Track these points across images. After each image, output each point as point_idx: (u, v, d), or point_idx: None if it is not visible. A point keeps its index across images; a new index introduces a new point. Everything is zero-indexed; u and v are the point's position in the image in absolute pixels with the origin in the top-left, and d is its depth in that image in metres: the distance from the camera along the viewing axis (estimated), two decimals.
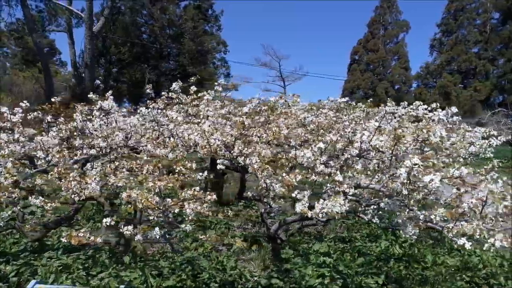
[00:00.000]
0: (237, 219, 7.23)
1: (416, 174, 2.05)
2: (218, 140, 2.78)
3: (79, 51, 18.00)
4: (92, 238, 2.31)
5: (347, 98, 6.22)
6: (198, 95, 5.53)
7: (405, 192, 2.54)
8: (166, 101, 5.53)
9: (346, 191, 2.73)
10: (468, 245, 2.21)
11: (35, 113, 3.34)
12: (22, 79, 30.48)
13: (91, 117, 4.38)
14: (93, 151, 3.52)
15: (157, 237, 2.53)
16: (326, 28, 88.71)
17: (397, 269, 4.57)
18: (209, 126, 2.94)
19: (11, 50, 31.73)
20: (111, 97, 5.38)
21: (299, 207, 2.61)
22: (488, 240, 2.21)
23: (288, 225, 5.17)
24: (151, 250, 5.42)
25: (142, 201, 2.18)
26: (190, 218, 3.25)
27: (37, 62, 36.03)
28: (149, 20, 25.93)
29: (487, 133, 4.29)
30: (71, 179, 2.47)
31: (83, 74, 16.39)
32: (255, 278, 4.38)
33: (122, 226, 2.36)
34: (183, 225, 2.82)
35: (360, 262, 4.78)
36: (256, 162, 2.53)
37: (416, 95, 41.68)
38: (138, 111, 4.68)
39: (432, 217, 2.52)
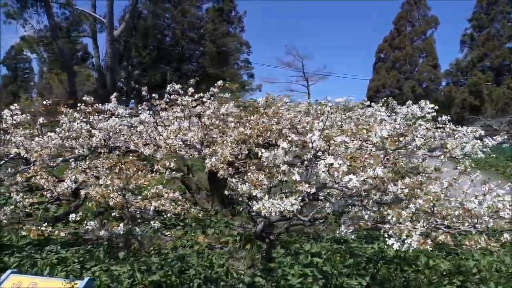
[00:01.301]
0: (239, 219, 7.32)
1: (337, 175, 2.03)
2: (180, 141, 2.88)
3: (102, 55, 18.84)
4: (56, 232, 2.47)
5: (346, 98, 6.18)
6: (200, 95, 5.66)
7: (363, 192, 2.52)
8: (166, 102, 5.71)
9: (307, 190, 2.74)
10: (396, 245, 2.17)
11: (24, 115, 3.58)
12: (57, 82, 32.19)
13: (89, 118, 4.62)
14: (86, 151, 3.71)
15: (121, 232, 2.65)
16: (351, 27, 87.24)
17: (385, 271, 4.50)
18: (178, 127, 3.04)
19: (47, 54, 33.66)
20: (115, 99, 5.65)
21: (255, 206, 2.65)
22: (406, 241, 2.15)
23: (290, 224, 5.22)
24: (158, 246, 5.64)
25: (101, 198, 2.31)
26: (170, 214, 3.38)
27: (72, 66, 37.88)
28: (171, 23, 26.58)
29: (474, 133, 4.15)
30: (39, 177, 2.65)
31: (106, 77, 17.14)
32: (241, 276, 4.45)
33: (87, 222, 2.51)
34: (152, 222, 2.93)
35: (349, 263, 4.74)
36: (211, 162, 2.60)
37: (445, 94, 40.16)
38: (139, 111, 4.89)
39: (389, 217, 2.49)
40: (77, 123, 3.53)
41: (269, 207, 2.43)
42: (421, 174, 4.13)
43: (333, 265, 4.62)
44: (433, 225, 2.31)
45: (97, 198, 2.34)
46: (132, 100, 24.21)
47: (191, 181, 7.20)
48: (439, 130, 4.53)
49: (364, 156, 2.06)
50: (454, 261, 4.83)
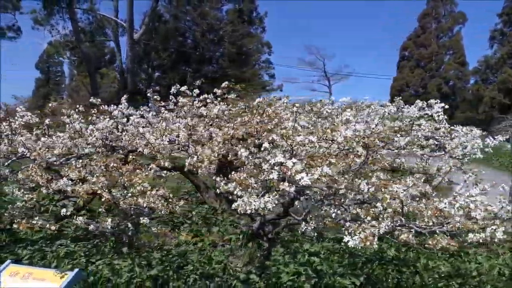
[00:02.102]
0: (245, 217, 7.41)
1: (290, 174, 2.08)
2: (168, 140, 3.01)
3: (124, 58, 19.50)
4: (47, 225, 2.66)
5: (348, 98, 6.14)
6: (205, 96, 5.79)
7: (342, 191, 2.56)
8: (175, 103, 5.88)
9: (286, 189, 2.80)
10: (351, 243, 2.18)
11: (28, 116, 3.83)
12: (85, 84, 33.56)
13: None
14: (87, 150, 3.93)
15: (108, 227, 2.81)
16: (374, 25, 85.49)
17: (381, 271, 4.48)
18: (165, 127, 3.18)
19: (73, 58, 35.14)
20: (125, 100, 5.89)
21: (234, 204, 2.74)
22: (351, 238, 2.16)
23: (287, 224, 5.27)
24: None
25: (84, 194, 2.47)
26: (162, 212, 3.53)
27: (100, 68, 39.30)
28: (191, 26, 27.06)
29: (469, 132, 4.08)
30: (33, 174, 2.86)
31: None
32: (237, 273, 4.55)
33: (75, 217, 2.69)
34: (141, 218, 3.08)
35: (346, 263, 4.75)
36: (190, 161, 2.71)
37: (473, 92, 38.69)
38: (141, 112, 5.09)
39: (363, 216, 2.52)
40: (77, 124, 3.75)
41: (244, 205, 2.51)
42: (416, 174, 4.09)
43: (329, 265, 4.64)
44: (397, 224, 2.32)
45: (81, 194, 2.51)
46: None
47: (199, 180, 7.37)
48: (436, 130, 4.47)
49: (330, 156, 2.11)
50: (455, 263, 4.73)
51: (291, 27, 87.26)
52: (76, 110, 3.93)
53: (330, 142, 2.34)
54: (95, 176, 2.72)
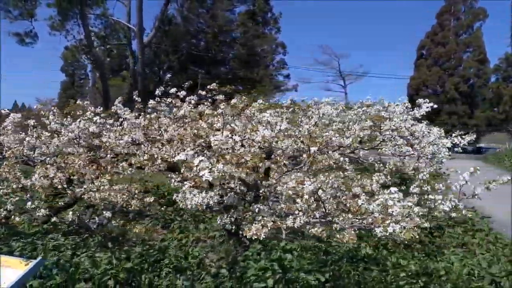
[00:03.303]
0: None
1: (195, 170, 2.24)
2: (128, 140, 3.23)
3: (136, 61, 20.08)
4: (17, 219, 2.94)
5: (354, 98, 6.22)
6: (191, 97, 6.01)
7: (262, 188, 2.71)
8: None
9: (231, 186, 2.97)
10: (244, 233, 2.28)
11: (17, 118, 4.14)
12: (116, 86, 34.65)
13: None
14: (52, 149, 4.21)
15: (70, 219, 3.06)
16: (390, 23, 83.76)
17: (349, 268, 4.57)
18: (122, 127, 3.41)
19: (99, 61, 36.36)
20: (119, 103, 6.18)
21: (178, 200, 2.93)
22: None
23: None
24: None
25: (40, 188, 2.73)
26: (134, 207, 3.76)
27: (121, 71, 40.43)
28: (203, 28, 27.51)
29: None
30: (2, 171, 3.14)
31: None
32: (210, 268, 4.74)
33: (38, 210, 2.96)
34: (104, 212, 3.32)
35: (318, 260, 4.86)
36: (137, 158, 2.92)
37: (493, 90, 37.48)
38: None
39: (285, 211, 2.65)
40: (53, 124, 4.03)
41: (182, 200, 2.70)
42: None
43: (300, 262, 4.76)
44: (311, 219, 2.44)
45: (37, 188, 2.76)
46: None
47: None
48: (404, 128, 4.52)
49: (246, 154, 2.26)
50: (424, 263, 4.75)
51: (306, 27, 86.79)
52: (54, 111, 4.20)
53: (251, 141, 2.49)
54: (51, 171, 2.98)
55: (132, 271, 4.48)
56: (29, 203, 3.15)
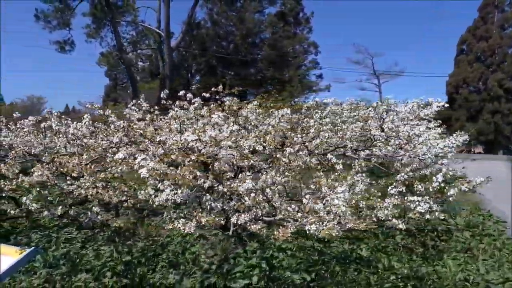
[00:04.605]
0: None
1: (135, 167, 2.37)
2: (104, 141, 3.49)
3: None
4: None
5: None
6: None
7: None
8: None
9: (200, 184, 3.13)
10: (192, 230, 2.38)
11: (32, 121, 4.57)
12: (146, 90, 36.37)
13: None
14: (38, 149, 4.60)
15: (59, 213, 3.37)
16: (427, 20, 79.90)
17: (338, 269, 4.56)
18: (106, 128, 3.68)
19: (141, 65, 38.08)
20: (131, 105, 6.55)
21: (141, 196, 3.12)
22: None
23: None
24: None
25: (26, 183, 3.04)
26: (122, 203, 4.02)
27: (158, 74, 42.28)
28: (232, 30, 27.96)
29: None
30: (5, 169, 3.50)
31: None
32: (203, 263, 4.92)
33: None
34: (93, 208, 3.60)
35: (307, 260, 4.88)
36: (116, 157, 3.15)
37: None
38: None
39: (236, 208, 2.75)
40: (54, 125, 4.41)
41: (147, 196, 2.89)
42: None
43: (291, 261, 4.81)
44: (253, 216, 2.51)
45: (23, 184, 3.06)
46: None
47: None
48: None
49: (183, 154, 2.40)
50: (418, 266, 4.63)
51: (339, 27, 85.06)
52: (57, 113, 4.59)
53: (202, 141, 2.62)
54: (37, 169, 3.29)
55: (130, 264, 4.76)
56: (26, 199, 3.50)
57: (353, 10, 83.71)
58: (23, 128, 4.90)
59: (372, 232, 6.11)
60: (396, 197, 3.44)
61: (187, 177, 2.51)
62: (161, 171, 2.47)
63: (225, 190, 2.61)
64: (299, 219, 2.44)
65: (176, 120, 3.60)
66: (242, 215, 2.59)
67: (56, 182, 3.35)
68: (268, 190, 2.50)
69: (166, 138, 2.83)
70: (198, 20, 26.69)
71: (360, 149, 4.94)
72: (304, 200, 2.60)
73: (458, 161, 8.52)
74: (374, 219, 3.23)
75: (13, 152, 4.09)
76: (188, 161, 2.52)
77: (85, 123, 4.22)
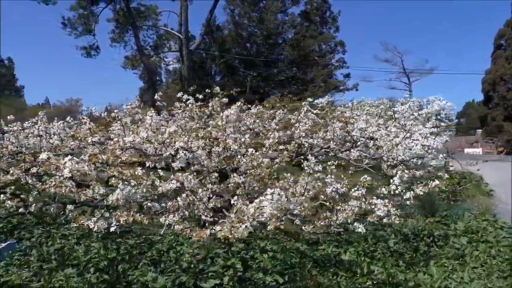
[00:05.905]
0: None
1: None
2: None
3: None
4: None
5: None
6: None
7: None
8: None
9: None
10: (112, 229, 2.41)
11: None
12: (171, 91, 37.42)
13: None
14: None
15: (31, 210, 3.56)
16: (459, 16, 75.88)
17: (314, 272, 4.49)
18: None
19: (172, 68, 39.21)
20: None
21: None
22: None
23: None
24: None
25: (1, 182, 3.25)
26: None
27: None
28: (253, 31, 28.07)
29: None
30: None
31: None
32: (184, 262, 5.01)
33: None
34: (69, 205, 3.76)
35: (285, 262, 4.85)
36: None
37: None
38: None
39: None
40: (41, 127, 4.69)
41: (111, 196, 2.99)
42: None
43: (272, 263, 4.79)
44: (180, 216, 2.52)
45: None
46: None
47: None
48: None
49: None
50: (400, 272, 4.46)
51: (367, 25, 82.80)
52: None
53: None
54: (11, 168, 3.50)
55: (114, 261, 4.93)
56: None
57: (379, 7, 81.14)
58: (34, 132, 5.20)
59: (363, 236, 5.95)
60: (359, 200, 3.33)
61: (123, 177, 2.60)
62: (81, 172, 2.58)
63: (161, 190, 2.68)
64: (226, 221, 2.45)
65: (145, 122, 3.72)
66: (171, 215, 2.65)
67: (27, 180, 3.56)
68: (200, 190, 2.53)
69: (105, 140, 2.94)
70: (218, 22, 27.17)
71: (343, 149, 4.83)
72: (233, 201, 2.61)
73: (472, 163, 8.11)
74: (332, 222, 3.16)
75: (3, 150, 4.40)
76: (120, 162, 2.62)
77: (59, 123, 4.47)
